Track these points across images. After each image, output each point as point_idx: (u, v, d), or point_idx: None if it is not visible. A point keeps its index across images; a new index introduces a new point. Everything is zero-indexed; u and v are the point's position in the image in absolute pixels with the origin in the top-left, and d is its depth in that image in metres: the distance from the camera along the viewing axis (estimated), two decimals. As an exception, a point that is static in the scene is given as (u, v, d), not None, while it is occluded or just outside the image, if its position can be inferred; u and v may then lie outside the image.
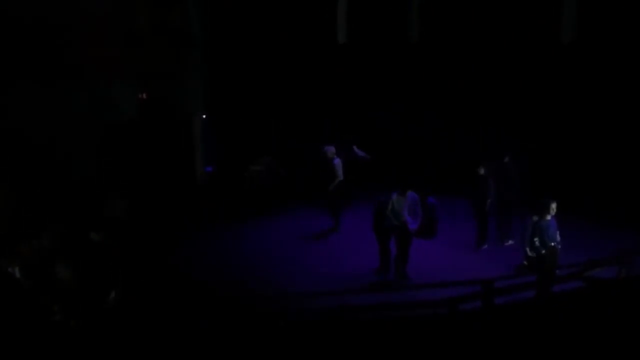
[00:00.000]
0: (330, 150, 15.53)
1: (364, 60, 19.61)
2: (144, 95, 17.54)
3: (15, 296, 9.71)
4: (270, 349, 10.04)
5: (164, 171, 17.27)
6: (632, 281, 11.80)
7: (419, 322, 11.08)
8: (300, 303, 11.95)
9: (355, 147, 17.25)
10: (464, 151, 17.41)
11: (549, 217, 11.40)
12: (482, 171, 13.98)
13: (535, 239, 11.46)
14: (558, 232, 11.47)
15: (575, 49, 17.36)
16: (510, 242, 14.13)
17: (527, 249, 11.95)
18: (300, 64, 19.34)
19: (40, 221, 12.17)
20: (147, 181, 16.70)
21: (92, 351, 9.65)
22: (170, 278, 13.08)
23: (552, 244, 11.39)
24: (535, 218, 11.63)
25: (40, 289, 9.99)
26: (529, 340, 10.13)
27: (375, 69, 19.55)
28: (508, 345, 10.02)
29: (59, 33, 15.32)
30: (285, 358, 9.79)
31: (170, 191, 16.95)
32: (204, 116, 18.63)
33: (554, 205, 11.39)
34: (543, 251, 11.41)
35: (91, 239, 11.27)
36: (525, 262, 12.46)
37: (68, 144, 15.46)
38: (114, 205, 14.68)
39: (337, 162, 15.44)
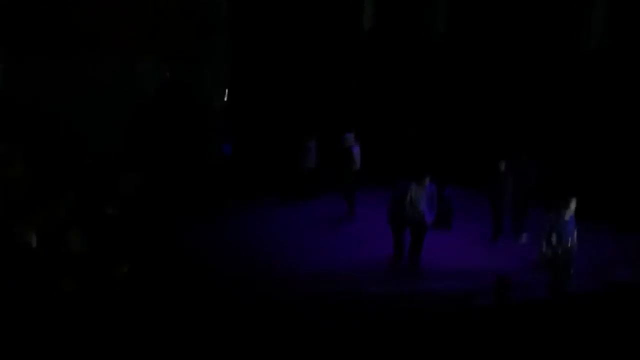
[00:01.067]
0: (349, 138, 15.47)
1: (389, 48, 19.49)
2: (168, 75, 17.53)
3: (27, 264, 9.74)
4: (281, 334, 10.04)
5: (182, 151, 17.28)
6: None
7: (431, 314, 11.04)
8: (309, 289, 11.92)
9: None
10: (484, 144, 17.26)
11: (567, 215, 11.24)
12: (502, 167, 13.85)
13: (552, 237, 11.30)
14: (576, 231, 11.31)
15: (601, 55, 17.16)
16: (526, 238, 14.00)
17: (543, 246, 11.77)
18: (324, 49, 19.26)
19: (55, 192, 12.22)
20: (164, 160, 16.72)
21: (100, 323, 9.68)
22: (181, 257, 13.11)
23: (570, 242, 11.23)
24: (553, 215, 11.47)
25: (53, 257, 10.03)
26: (540, 338, 10.04)
27: (400, 57, 19.43)
28: (519, 342, 9.93)
29: (78, 3, 15.36)
30: (295, 344, 9.78)
31: (187, 171, 16.97)
32: (225, 99, 18.61)
33: (573, 203, 11.23)
34: (559, 249, 11.25)
35: (104, 212, 11.30)
36: (540, 260, 12.30)
37: (86, 118, 15.51)
38: (127, 180, 14.73)
39: (356, 150, 15.38)
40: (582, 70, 17.36)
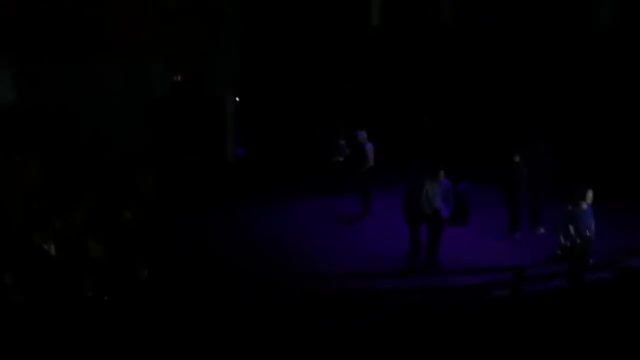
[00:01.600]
0: (362, 134, 15.47)
1: (397, 42, 19.46)
2: (178, 77, 17.60)
3: (50, 272, 9.83)
4: (295, 327, 10.10)
5: (196, 150, 17.36)
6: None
7: (449, 307, 11.06)
8: (326, 284, 11.96)
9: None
10: (497, 136, 17.22)
11: (584, 206, 11.23)
12: (517, 159, 13.79)
13: (570, 228, 11.28)
14: (593, 221, 11.30)
15: (614, 33, 17.09)
16: (542, 230, 13.97)
17: (561, 238, 11.76)
18: (332, 45, 19.25)
19: (73, 197, 12.31)
20: (179, 159, 16.80)
21: (124, 327, 9.75)
22: (199, 255, 13.19)
23: (587, 233, 11.22)
24: (570, 206, 11.45)
25: (73, 264, 10.11)
26: (559, 329, 10.05)
27: (408, 51, 19.40)
28: (537, 333, 9.95)
29: (89, 8, 15.42)
30: (309, 337, 9.83)
31: (201, 170, 17.04)
32: (237, 98, 18.65)
33: (590, 194, 11.21)
34: (578, 240, 11.24)
35: (123, 216, 11.38)
36: (558, 251, 12.30)
37: (100, 120, 15.59)
38: (142, 181, 14.81)
39: (369, 146, 15.38)
40: (596, 55, 17.30)
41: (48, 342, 9.11)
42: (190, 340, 9.70)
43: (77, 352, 9.09)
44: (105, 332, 9.52)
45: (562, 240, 11.45)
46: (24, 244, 10.20)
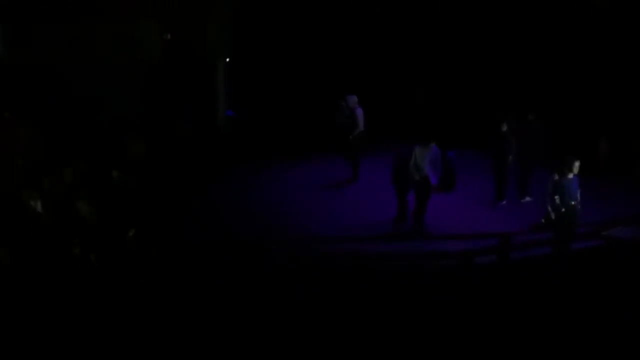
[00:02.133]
0: (353, 99, 15.42)
1: (387, 12, 19.36)
2: (169, 36, 17.44)
3: (36, 229, 9.85)
4: (284, 292, 10.18)
5: (187, 114, 17.29)
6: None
7: (434, 272, 11.17)
8: (316, 248, 12.05)
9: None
10: (487, 105, 17.25)
11: (570, 176, 11.30)
12: (504, 127, 13.83)
13: (556, 197, 11.38)
14: (579, 191, 11.38)
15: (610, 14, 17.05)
16: (529, 199, 14.06)
17: (548, 207, 11.87)
18: (325, 11, 19.12)
19: (63, 157, 12.29)
20: (170, 123, 16.75)
21: (109, 286, 9.82)
22: (188, 220, 13.24)
23: (573, 202, 11.31)
24: (556, 176, 11.53)
25: (60, 222, 10.13)
26: (543, 295, 10.18)
27: (397, 22, 19.32)
28: (522, 300, 10.08)
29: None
30: (299, 302, 9.92)
31: (192, 133, 17.00)
32: (227, 60, 18.53)
33: (576, 164, 11.27)
34: (563, 209, 11.33)
35: (112, 177, 11.38)
36: (544, 220, 12.42)
37: (92, 82, 15.49)
38: (133, 145, 14.78)
39: (359, 111, 15.35)
40: (588, 27, 17.26)
41: (36, 303, 9.18)
42: (176, 302, 9.78)
43: (66, 312, 9.17)
44: (92, 292, 9.60)
45: (549, 210, 11.54)
46: (12, 202, 10.20)
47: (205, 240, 12.17)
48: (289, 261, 11.49)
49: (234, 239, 12.34)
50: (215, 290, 10.19)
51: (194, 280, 10.44)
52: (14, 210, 10.03)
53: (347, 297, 10.07)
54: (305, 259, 11.60)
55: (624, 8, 16.96)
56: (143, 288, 10.04)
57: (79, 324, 9.04)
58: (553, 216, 11.41)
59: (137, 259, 10.62)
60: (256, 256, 11.58)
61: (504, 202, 14.11)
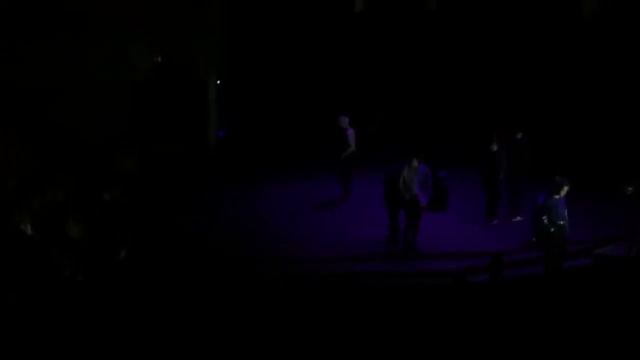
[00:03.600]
0: (344, 120, 15.49)
1: (381, 29, 19.49)
2: (159, 59, 17.48)
3: (26, 252, 9.78)
4: (276, 311, 10.12)
5: (178, 132, 17.28)
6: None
7: (426, 292, 11.12)
8: (307, 268, 11.99)
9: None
10: (477, 124, 17.32)
11: (557, 197, 11.35)
12: (494, 147, 13.91)
13: (544, 217, 11.43)
14: (566, 211, 11.42)
15: (597, 22, 17.20)
16: (519, 218, 14.09)
17: (536, 226, 11.92)
18: (316, 30, 19.22)
19: (52, 176, 12.23)
20: (161, 142, 16.72)
21: (99, 307, 9.74)
22: (178, 238, 13.16)
23: (561, 222, 11.34)
24: (545, 195, 11.60)
25: (50, 243, 10.06)
26: (535, 314, 10.15)
27: (392, 37, 19.42)
28: (514, 319, 10.05)
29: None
30: (291, 321, 9.86)
31: (183, 153, 16.98)
32: (218, 82, 18.58)
33: (566, 187, 11.31)
34: (552, 229, 11.36)
35: (102, 196, 11.33)
36: (533, 238, 12.45)
37: (79, 99, 15.41)
38: (123, 163, 14.74)
39: (350, 132, 15.41)
40: (580, 38, 17.41)
41: (25, 324, 9.09)
42: (167, 321, 9.70)
43: (53, 333, 9.07)
44: (81, 312, 9.51)
45: (537, 228, 11.60)
46: (1, 222, 10.14)
47: (196, 258, 12.11)
48: (280, 280, 11.43)
49: (223, 257, 12.29)
50: (205, 308, 10.12)
51: (183, 299, 10.36)
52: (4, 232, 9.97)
53: (339, 316, 10.01)
54: (296, 278, 11.53)
55: (610, 26, 17.14)
56: (133, 305, 9.97)
57: (65, 345, 8.95)
58: (538, 238, 11.49)
59: (128, 278, 10.54)
60: (247, 275, 11.51)
61: (496, 220, 14.13)
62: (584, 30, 17.48)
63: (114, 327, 9.32)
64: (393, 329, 9.58)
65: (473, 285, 11.10)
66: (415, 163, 12.64)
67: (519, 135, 14.25)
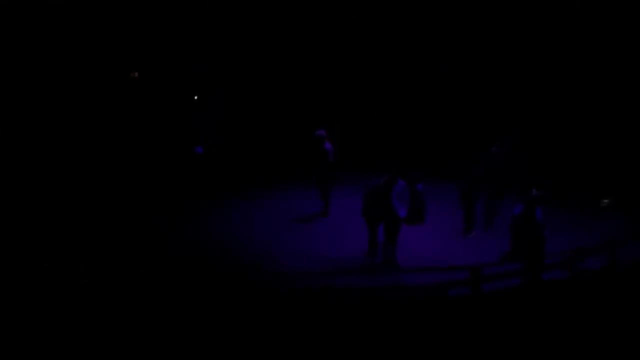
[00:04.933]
0: (322, 134, 15.50)
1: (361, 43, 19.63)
2: (136, 74, 17.44)
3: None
4: (256, 328, 10.07)
5: (157, 149, 17.22)
6: (620, 270, 11.90)
7: (406, 306, 11.13)
8: (286, 283, 11.96)
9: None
10: (454, 138, 17.46)
11: (534, 208, 11.43)
12: (470, 159, 14.01)
13: (520, 229, 11.51)
14: (543, 223, 11.50)
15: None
16: (497, 229, 14.18)
17: (513, 239, 12.01)
18: (296, 53, 19.32)
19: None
20: (140, 158, 16.67)
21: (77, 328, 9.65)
22: (157, 256, 13.09)
23: (537, 234, 11.41)
24: (521, 208, 11.68)
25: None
26: (515, 326, 10.20)
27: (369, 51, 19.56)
28: (495, 331, 10.09)
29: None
30: (271, 337, 9.82)
31: (161, 170, 16.92)
32: (196, 97, 18.57)
33: (540, 195, 11.41)
34: (528, 241, 11.44)
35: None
36: (512, 251, 12.51)
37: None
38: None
39: (328, 146, 15.42)
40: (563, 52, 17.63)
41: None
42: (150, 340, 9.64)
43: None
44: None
45: (514, 241, 11.69)
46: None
47: (175, 275, 12.04)
48: (260, 296, 11.38)
49: (201, 274, 12.22)
50: (184, 325, 10.07)
51: (164, 317, 10.29)
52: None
53: (319, 332, 9.99)
54: (275, 294, 11.50)
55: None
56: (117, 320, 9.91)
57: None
58: (516, 249, 11.54)
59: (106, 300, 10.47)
60: (226, 290, 11.47)
61: (474, 233, 14.21)
62: (560, 50, 17.73)
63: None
64: (373, 344, 9.59)
65: (453, 299, 11.14)
66: (395, 177, 12.68)
67: (495, 149, 14.36)
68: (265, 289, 11.69)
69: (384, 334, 9.92)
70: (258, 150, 18.60)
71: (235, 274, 12.34)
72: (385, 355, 9.45)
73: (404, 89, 19.43)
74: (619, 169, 16.60)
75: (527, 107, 17.88)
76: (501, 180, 14.23)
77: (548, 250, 11.79)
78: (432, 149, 18.04)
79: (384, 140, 18.77)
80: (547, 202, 11.57)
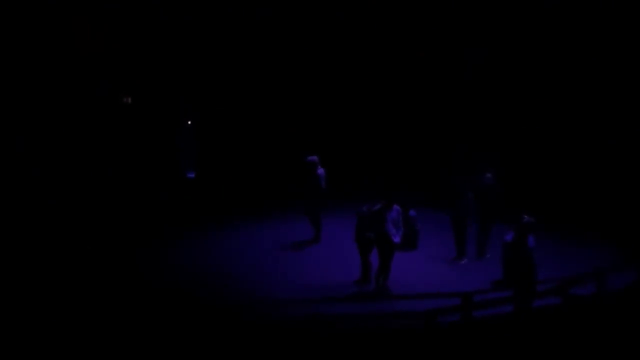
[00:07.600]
0: (313, 160, 15.51)
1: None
2: (129, 99, 17.51)
3: None
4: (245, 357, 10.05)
5: (147, 174, 17.23)
6: (609, 297, 11.94)
7: (398, 333, 11.12)
8: (278, 311, 11.92)
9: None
10: (446, 165, 17.55)
11: (526, 237, 11.47)
12: (462, 186, 14.09)
13: (511, 257, 11.54)
14: (534, 250, 11.54)
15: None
16: (489, 256, 14.22)
17: (505, 267, 12.07)
18: (282, 74, 19.46)
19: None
20: (129, 184, 16.67)
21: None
22: (145, 283, 13.05)
23: (529, 261, 11.44)
24: (512, 235, 11.71)
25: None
26: (506, 354, 10.21)
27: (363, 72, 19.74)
28: (486, 358, 10.09)
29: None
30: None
31: (152, 195, 16.92)
32: (189, 122, 18.65)
33: (532, 227, 11.44)
34: (520, 268, 11.47)
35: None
36: (503, 278, 12.54)
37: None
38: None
39: (321, 172, 15.43)
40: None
41: None
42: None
43: None
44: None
45: (505, 268, 11.72)
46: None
47: (163, 303, 12.00)
48: (251, 323, 11.35)
49: (192, 302, 12.18)
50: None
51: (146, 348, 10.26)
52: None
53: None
54: (267, 322, 11.46)
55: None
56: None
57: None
58: (507, 276, 11.57)
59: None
60: (216, 319, 11.43)
61: (465, 260, 14.24)
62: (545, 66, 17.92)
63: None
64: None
65: (444, 325, 11.14)
66: (390, 204, 12.72)
67: (488, 175, 14.43)
68: (255, 318, 11.65)
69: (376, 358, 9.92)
70: (251, 176, 18.63)
71: (225, 302, 12.29)
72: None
73: (392, 111, 19.58)
74: (607, 196, 16.74)
75: (517, 133, 18.03)
76: (493, 206, 14.27)
77: (539, 277, 11.81)
78: (423, 174, 18.13)
79: (374, 166, 18.86)
80: (538, 229, 11.59)
